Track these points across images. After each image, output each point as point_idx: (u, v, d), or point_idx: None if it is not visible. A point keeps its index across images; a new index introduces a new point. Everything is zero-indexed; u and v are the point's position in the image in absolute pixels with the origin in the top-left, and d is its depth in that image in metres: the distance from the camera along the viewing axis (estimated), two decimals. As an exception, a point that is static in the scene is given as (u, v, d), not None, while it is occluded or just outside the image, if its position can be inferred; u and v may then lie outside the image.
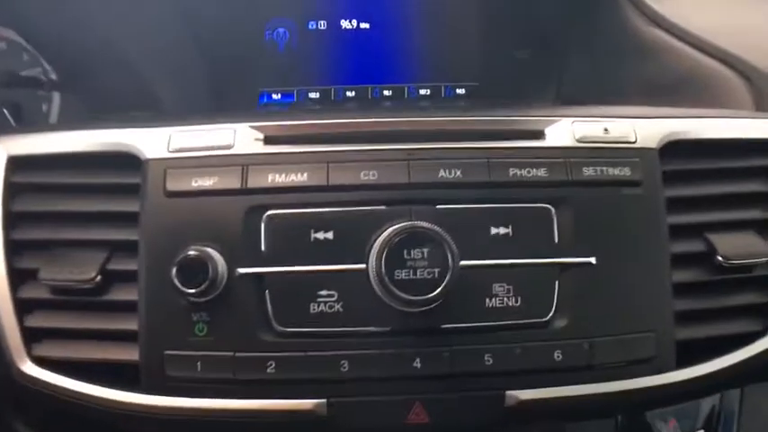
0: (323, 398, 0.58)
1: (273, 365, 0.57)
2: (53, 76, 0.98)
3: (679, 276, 0.62)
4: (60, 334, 0.61)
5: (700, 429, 0.69)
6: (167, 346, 0.58)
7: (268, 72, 1.08)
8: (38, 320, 0.61)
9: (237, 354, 0.57)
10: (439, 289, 0.54)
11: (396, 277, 0.54)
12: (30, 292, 0.61)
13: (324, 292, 0.58)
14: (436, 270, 0.54)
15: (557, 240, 0.60)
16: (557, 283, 0.59)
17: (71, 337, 0.61)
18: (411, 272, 0.54)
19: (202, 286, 0.56)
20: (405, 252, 0.55)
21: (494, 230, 0.59)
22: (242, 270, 0.58)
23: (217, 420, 0.59)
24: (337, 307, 0.58)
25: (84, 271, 0.60)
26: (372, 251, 0.56)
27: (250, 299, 0.58)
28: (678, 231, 0.62)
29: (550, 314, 0.59)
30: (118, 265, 0.61)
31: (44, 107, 0.98)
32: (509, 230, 0.59)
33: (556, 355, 0.58)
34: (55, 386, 0.60)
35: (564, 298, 0.59)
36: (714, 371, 0.61)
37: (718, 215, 0.64)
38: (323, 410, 0.58)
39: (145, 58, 1.00)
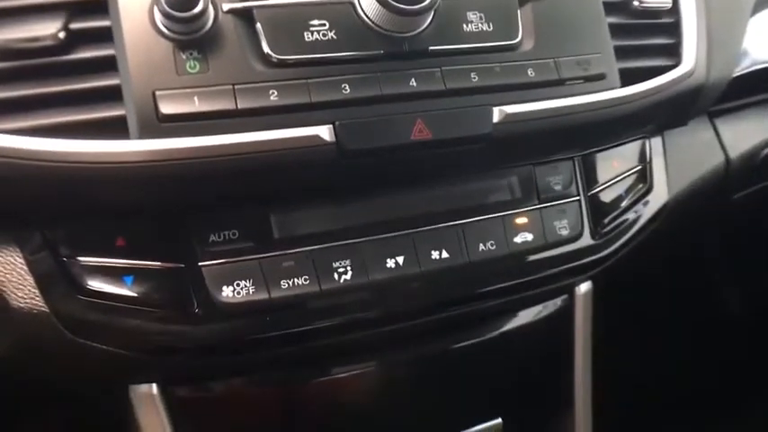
0: (328, 122, 0.58)
1: (276, 93, 0.57)
2: None
3: (610, 19, 0.73)
4: (24, 104, 0.55)
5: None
6: (158, 87, 0.55)
7: None
8: None
9: (237, 85, 0.57)
10: (423, 4, 0.57)
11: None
12: None
13: (315, 22, 0.59)
14: None
15: None
16: (518, 13, 0.67)
17: (39, 105, 0.55)
18: None
19: (191, 18, 0.54)
20: None
21: None
22: (229, 5, 0.57)
23: (218, 161, 0.56)
24: (330, 35, 0.59)
25: (45, 29, 0.55)
26: None
27: (242, 32, 0.57)
28: None
29: (518, 38, 0.66)
30: (85, 23, 0.57)
31: None
32: None
33: (529, 72, 0.66)
34: (31, 152, 0.53)
35: (526, 26, 0.67)
36: (646, 89, 0.73)
37: None
38: (330, 134, 0.58)
39: None
